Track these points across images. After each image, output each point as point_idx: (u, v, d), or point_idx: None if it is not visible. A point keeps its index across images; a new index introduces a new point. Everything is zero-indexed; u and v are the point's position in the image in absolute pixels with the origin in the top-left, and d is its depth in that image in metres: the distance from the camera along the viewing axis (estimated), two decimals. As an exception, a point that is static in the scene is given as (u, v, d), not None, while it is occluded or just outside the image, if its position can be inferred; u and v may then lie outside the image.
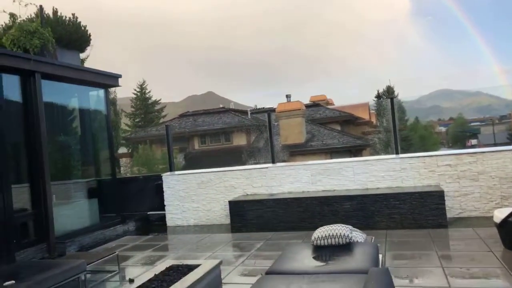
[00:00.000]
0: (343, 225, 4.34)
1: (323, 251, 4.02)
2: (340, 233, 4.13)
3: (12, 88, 6.58)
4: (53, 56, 7.30)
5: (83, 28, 8.37)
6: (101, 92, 8.58)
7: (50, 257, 6.23)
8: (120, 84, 8.99)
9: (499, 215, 4.72)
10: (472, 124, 72.68)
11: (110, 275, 5.08)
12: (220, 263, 4.45)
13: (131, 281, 4.06)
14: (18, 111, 6.57)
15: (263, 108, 32.06)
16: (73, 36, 8.10)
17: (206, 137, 28.31)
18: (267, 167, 7.74)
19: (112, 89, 16.69)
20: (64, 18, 8.26)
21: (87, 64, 10.01)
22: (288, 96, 27.98)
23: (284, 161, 20.41)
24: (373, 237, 4.67)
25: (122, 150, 31.52)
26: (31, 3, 7.41)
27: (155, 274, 4.14)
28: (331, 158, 18.79)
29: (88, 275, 4.91)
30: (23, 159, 6.67)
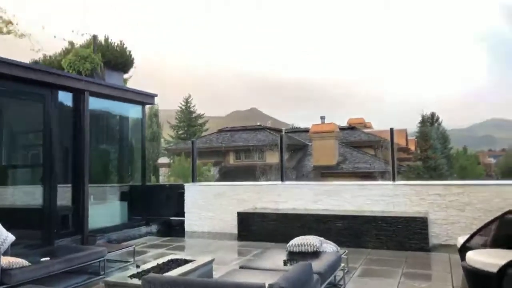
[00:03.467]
0: (315, 236, 5.14)
1: (293, 256, 4.85)
2: (311, 243, 4.94)
3: (66, 103, 7.97)
4: (101, 77, 8.69)
5: (128, 53, 9.79)
6: (139, 108, 9.89)
7: (83, 246, 7.41)
8: (155, 102, 10.31)
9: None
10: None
11: (126, 264, 6.12)
12: (212, 260, 5.35)
13: (138, 266, 5.08)
14: (69, 123, 7.92)
15: (299, 128, 32.86)
16: (119, 60, 9.50)
17: (241, 153, 29.47)
18: (275, 184, 8.61)
19: (155, 102, 18.21)
20: (113, 44, 9.72)
21: (130, 83, 11.36)
22: (322, 118, 28.63)
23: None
24: (346, 251, 5.41)
25: (164, 160, 33.33)
26: (86, 33, 8.92)
27: (157, 264, 5.13)
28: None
29: (110, 264, 5.97)
30: (69, 163, 7.99)
